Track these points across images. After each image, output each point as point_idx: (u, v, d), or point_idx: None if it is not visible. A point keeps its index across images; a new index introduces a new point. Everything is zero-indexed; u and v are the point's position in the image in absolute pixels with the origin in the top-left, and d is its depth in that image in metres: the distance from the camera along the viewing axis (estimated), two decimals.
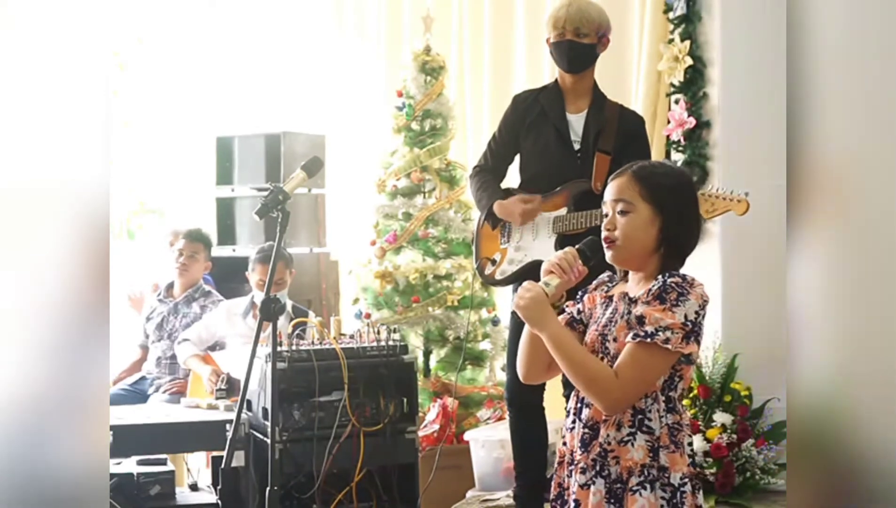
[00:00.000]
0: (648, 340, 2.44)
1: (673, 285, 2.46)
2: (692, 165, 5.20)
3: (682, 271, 2.57)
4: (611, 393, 2.46)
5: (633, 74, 5.69)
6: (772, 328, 4.88)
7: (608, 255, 2.58)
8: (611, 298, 2.61)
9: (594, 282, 2.70)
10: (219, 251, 6.40)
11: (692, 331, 2.46)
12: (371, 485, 4.71)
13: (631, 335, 2.47)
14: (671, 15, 5.39)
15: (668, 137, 5.37)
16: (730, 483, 4.77)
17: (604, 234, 2.57)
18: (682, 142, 5.28)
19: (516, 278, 4.52)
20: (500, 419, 5.43)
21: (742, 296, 5.13)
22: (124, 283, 6.69)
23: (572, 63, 4.47)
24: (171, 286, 6.11)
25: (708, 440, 4.80)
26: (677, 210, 2.55)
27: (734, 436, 4.83)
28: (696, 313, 2.46)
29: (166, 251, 6.49)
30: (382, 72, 6.95)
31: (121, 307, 6.65)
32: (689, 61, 5.27)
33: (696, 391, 4.94)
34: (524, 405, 4.52)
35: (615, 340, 2.52)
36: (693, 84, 5.28)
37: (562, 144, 4.44)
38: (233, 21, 7.44)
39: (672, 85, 5.37)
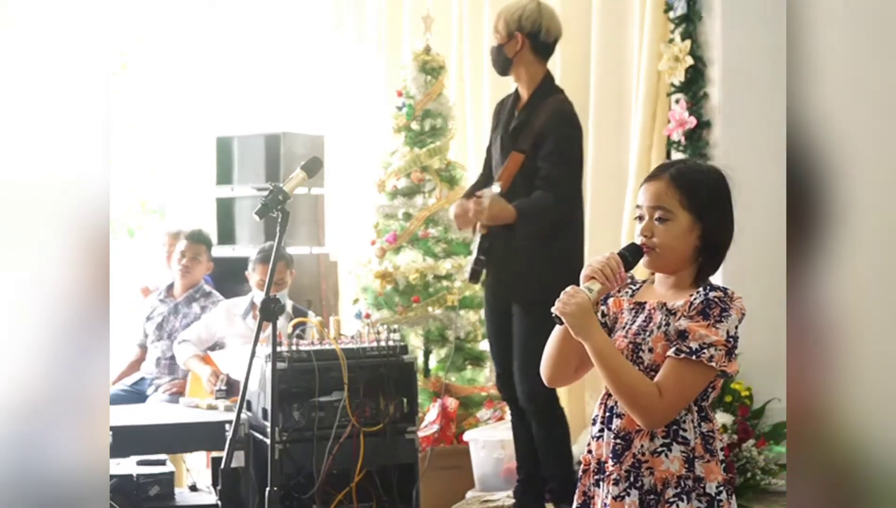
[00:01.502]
0: (693, 357, 2.40)
1: (716, 299, 2.44)
2: None
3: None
4: (655, 411, 2.42)
5: (633, 74, 5.68)
6: (772, 328, 4.87)
7: (645, 261, 2.52)
8: (641, 305, 2.55)
9: None
10: (219, 251, 6.41)
11: (733, 347, 2.45)
12: (371, 485, 4.71)
13: (673, 350, 2.42)
14: (671, 14, 5.39)
15: (668, 137, 5.37)
16: (730, 484, 4.77)
17: (640, 240, 2.51)
18: (683, 142, 5.28)
19: (474, 276, 4.57)
20: (500, 419, 5.43)
21: (742, 296, 5.11)
22: (133, 279, 6.70)
23: (493, 66, 4.61)
24: (171, 287, 6.11)
25: None
26: (716, 216, 2.52)
27: (735, 436, 4.83)
28: (736, 327, 2.45)
29: (160, 252, 6.51)
30: (382, 72, 6.95)
31: (121, 307, 6.66)
32: (690, 61, 5.26)
33: None
34: (514, 401, 4.58)
35: (651, 350, 2.47)
36: (693, 84, 5.28)
37: (501, 144, 4.49)
38: (233, 21, 7.44)
39: (672, 85, 5.37)
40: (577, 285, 2.50)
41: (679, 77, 5.31)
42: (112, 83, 5.39)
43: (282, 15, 7.38)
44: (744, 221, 5.61)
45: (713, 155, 5.22)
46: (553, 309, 2.48)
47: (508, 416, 4.81)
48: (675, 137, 5.32)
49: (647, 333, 2.49)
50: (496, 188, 4.37)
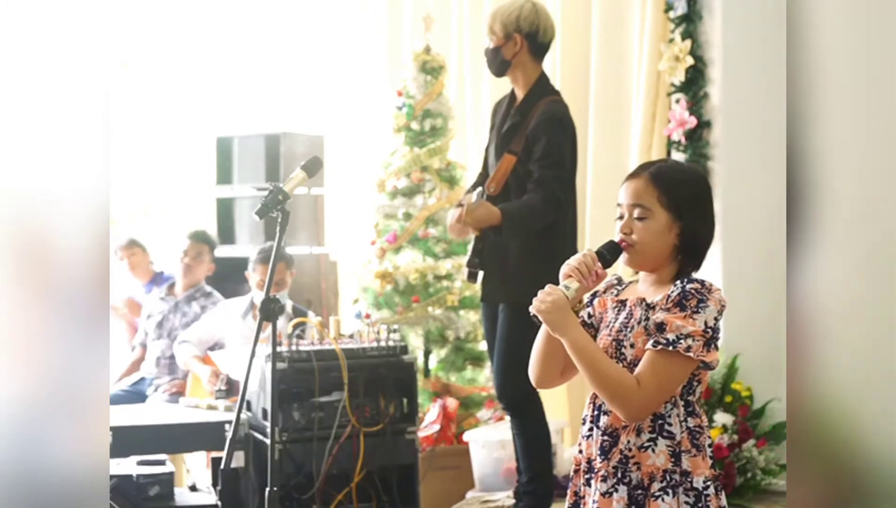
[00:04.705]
0: (670, 348, 2.41)
1: (693, 291, 2.44)
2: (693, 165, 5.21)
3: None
4: (634, 402, 2.43)
5: (634, 74, 5.68)
6: (772, 328, 4.88)
7: (625, 259, 2.54)
8: (623, 302, 2.57)
9: (603, 284, 2.65)
10: (219, 251, 6.41)
11: (712, 338, 2.44)
12: (371, 486, 4.71)
13: (651, 342, 2.44)
14: (672, 14, 5.39)
15: (668, 137, 5.37)
16: (731, 484, 4.77)
17: (619, 237, 2.54)
18: (683, 142, 5.28)
19: (471, 277, 4.55)
20: (500, 419, 5.43)
21: (742, 296, 5.12)
22: (119, 290, 6.68)
23: (489, 68, 4.56)
24: (172, 285, 6.11)
25: None
26: (695, 215, 2.53)
27: (735, 437, 4.83)
28: (716, 319, 2.45)
29: (120, 265, 6.44)
30: (382, 72, 6.95)
31: (119, 312, 6.64)
32: (690, 61, 5.26)
33: None
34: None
35: (632, 346, 2.49)
36: (694, 84, 5.28)
37: (495, 145, 4.51)
38: (233, 21, 7.44)
39: (673, 85, 5.37)
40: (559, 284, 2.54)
41: (679, 77, 5.31)
42: (112, 83, 5.40)
43: (282, 15, 7.39)
44: (743, 220, 5.60)
45: (713, 155, 5.22)
46: (531, 308, 2.52)
47: (508, 416, 4.80)
48: (675, 137, 5.32)
49: (629, 329, 2.51)
50: (481, 191, 4.36)
